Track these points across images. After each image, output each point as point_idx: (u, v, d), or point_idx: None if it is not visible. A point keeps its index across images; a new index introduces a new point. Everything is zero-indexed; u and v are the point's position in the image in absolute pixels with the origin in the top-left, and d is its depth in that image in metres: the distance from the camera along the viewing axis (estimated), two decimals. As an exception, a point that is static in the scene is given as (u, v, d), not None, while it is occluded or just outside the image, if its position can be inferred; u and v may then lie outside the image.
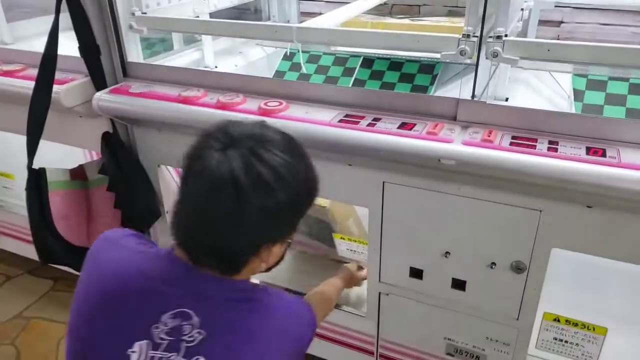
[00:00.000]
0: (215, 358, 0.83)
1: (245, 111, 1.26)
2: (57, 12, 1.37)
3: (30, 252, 2.06)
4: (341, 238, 1.50)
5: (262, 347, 0.86)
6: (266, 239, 0.85)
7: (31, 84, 1.42)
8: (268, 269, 0.95)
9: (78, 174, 1.56)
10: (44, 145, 1.46)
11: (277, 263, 0.96)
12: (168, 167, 1.61)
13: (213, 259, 0.85)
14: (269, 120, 1.16)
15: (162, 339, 0.83)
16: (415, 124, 1.15)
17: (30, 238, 1.99)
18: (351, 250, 1.52)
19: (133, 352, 0.82)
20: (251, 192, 0.77)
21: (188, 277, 0.86)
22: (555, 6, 1.79)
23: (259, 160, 0.79)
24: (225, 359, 0.83)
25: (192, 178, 0.81)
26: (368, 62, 1.86)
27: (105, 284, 0.88)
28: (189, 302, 0.84)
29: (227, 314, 0.85)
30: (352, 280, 1.44)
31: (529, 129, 1.11)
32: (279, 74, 1.98)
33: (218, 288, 0.86)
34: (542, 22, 1.81)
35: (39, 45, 2.05)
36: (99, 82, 1.48)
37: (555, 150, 1.03)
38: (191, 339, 0.83)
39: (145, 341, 0.82)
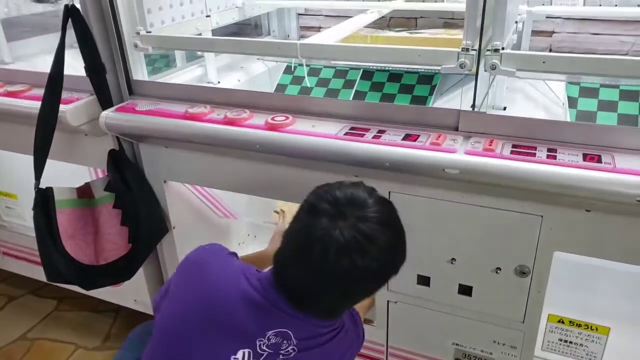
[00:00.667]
0: None
1: (253, 126, 1.29)
2: (63, 31, 1.39)
3: (33, 272, 2.08)
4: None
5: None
6: (364, 297, 1.02)
7: (36, 104, 1.44)
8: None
9: (84, 192, 1.57)
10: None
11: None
12: (186, 184, 1.63)
13: (319, 313, 0.98)
14: (280, 137, 1.23)
15: (263, 350, 0.94)
16: (419, 135, 1.19)
17: (33, 258, 2.02)
18: None
19: (236, 357, 0.94)
20: (361, 270, 0.88)
21: (290, 313, 0.96)
22: (547, 17, 1.84)
23: (369, 242, 0.89)
24: None
25: (312, 245, 0.89)
26: (368, 74, 1.91)
27: (212, 298, 0.98)
28: (291, 325, 0.96)
29: (317, 341, 0.99)
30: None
31: (528, 137, 1.15)
32: (281, 87, 2.02)
33: (314, 325, 0.99)
34: (534, 33, 1.87)
35: (40, 64, 2.08)
36: (104, 100, 1.50)
37: (554, 157, 1.06)
38: (287, 353, 0.96)
39: (248, 350, 0.94)
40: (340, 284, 0.91)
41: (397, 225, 0.97)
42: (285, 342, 0.95)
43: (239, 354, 0.94)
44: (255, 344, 0.94)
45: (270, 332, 0.94)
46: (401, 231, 0.98)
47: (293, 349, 0.95)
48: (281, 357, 0.95)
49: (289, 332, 0.95)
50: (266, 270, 1.02)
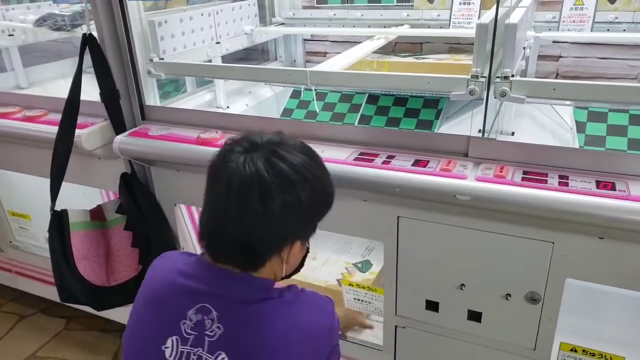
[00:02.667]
0: (233, 356, 0.88)
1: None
2: (81, 59, 1.43)
3: (43, 291, 2.09)
4: (349, 285, 1.51)
5: (275, 346, 0.88)
6: (288, 234, 0.92)
7: (53, 129, 1.47)
8: (287, 276, 1.02)
9: (97, 214, 1.59)
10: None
11: (296, 270, 1.03)
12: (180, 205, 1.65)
13: (237, 254, 0.91)
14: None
15: (188, 333, 0.89)
16: (428, 161, 1.20)
17: (44, 277, 2.04)
18: (359, 300, 1.51)
19: (166, 347, 0.90)
20: (275, 188, 0.85)
21: (209, 276, 0.93)
22: (553, 42, 1.86)
23: (280, 160, 0.87)
24: (241, 357, 0.88)
25: (219, 180, 0.88)
26: (373, 98, 1.93)
27: (151, 287, 0.97)
28: (209, 298, 0.90)
29: (241, 313, 0.90)
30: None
31: (538, 163, 1.15)
32: (287, 111, 2.04)
33: (235, 286, 0.91)
34: (541, 57, 1.88)
35: (54, 89, 2.13)
36: (118, 125, 1.53)
37: (566, 184, 1.07)
38: (212, 333, 0.89)
39: (175, 336, 0.90)
40: (247, 211, 0.85)
41: (314, 166, 0.92)
42: (207, 319, 0.89)
43: (168, 342, 0.90)
44: (180, 329, 0.90)
45: (190, 310, 0.90)
46: (317, 173, 0.92)
47: (218, 327, 0.88)
48: (207, 339, 0.88)
49: (208, 305, 0.90)
50: None
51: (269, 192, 0.85)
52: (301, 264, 1.05)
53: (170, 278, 0.95)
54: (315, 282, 1.62)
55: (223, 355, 0.88)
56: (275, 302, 0.92)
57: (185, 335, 0.90)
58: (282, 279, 1.02)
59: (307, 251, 1.05)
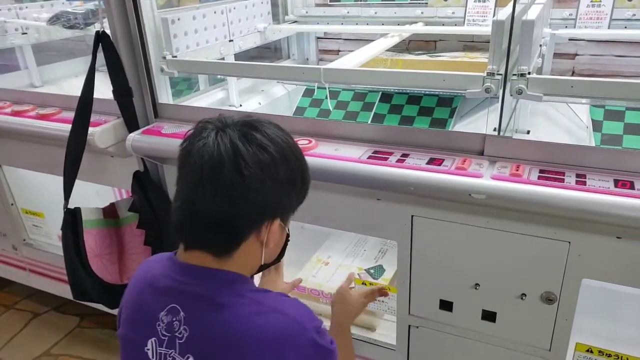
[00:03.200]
0: (199, 358, 0.84)
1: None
2: (94, 56, 1.43)
3: (57, 289, 2.11)
4: (362, 284, 1.50)
5: (236, 351, 0.83)
6: (267, 209, 0.86)
7: (66, 127, 1.48)
8: (264, 266, 0.97)
9: (110, 212, 1.60)
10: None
11: (276, 259, 0.98)
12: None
13: (211, 232, 0.85)
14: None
15: (163, 335, 0.87)
16: (443, 160, 1.18)
17: (57, 275, 2.05)
18: None
19: (148, 349, 0.88)
20: (252, 159, 0.81)
21: (178, 273, 0.88)
22: (570, 39, 1.84)
23: (255, 131, 0.84)
24: None
25: (190, 159, 0.83)
26: (387, 96, 1.91)
27: (130, 292, 0.95)
28: (177, 298, 0.87)
29: (205, 315, 0.86)
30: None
31: (555, 162, 1.14)
32: (300, 110, 2.04)
33: (202, 284, 0.87)
34: (557, 55, 1.86)
35: (67, 87, 2.14)
36: (131, 123, 1.53)
37: (584, 183, 1.05)
38: (180, 335, 0.86)
39: (154, 338, 0.88)
40: (222, 182, 0.81)
41: (291, 142, 0.89)
42: (175, 321, 0.86)
43: (149, 344, 0.89)
44: (157, 331, 0.88)
45: (162, 312, 0.87)
46: (294, 148, 0.89)
47: (184, 328, 0.85)
48: (177, 341, 0.86)
49: (177, 305, 0.86)
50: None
51: (245, 163, 0.81)
52: (282, 252, 1.00)
53: (147, 280, 0.93)
54: (331, 291, 1.61)
55: (191, 358, 0.85)
56: (241, 305, 0.86)
57: (161, 337, 0.88)
58: (261, 268, 0.97)
59: (288, 238, 0.99)
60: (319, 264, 1.77)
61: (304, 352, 0.85)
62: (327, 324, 1.51)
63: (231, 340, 0.83)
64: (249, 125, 0.85)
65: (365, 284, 1.50)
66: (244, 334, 0.83)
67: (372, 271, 1.68)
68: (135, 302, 0.93)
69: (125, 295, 0.97)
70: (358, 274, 1.69)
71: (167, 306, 0.87)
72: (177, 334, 0.86)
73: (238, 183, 0.81)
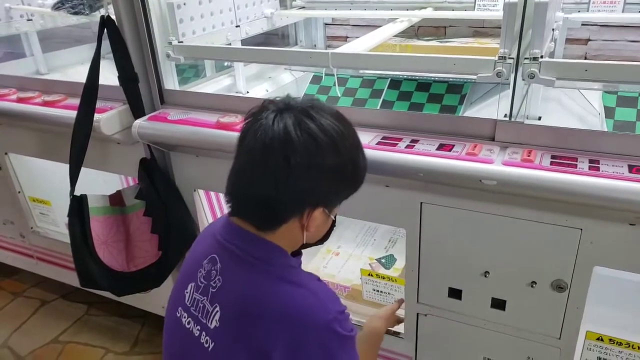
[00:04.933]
0: (223, 312, 0.88)
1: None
2: (99, 42, 1.42)
3: (64, 276, 2.11)
4: (369, 275, 1.48)
5: (257, 317, 0.86)
6: (309, 197, 0.88)
7: (72, 114, 1.47)
8: (307, 245, 0.99)
9: (116, 199, 1.59)
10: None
11: (320, 241, 1.01)
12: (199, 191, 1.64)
13: (256, 208, 0.90)
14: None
15: (201, 281, 0.93)
16: (453, 145, 1.17)
17: (64, 263, 2.05)
18: (378, 291, 1.49)
19: (187, 292, 0.95)
20: (300, 147, 0.83)
21: (226, 229, 0.94)
22: (582, 24, 1.80)
23: (310, 120, 0.85)
24: (228, 319, 0.88)
25: (248, 135, 0.88)
26: (396, 83, 1.89)
27: (194, 244, 1.04)
28: (219, 250, 0.93)
29: (239, 272, 0.90)
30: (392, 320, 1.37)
31: (567, 147, 1.12)
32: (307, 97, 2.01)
33: (243, 243, 0.91)
34: (569, 41, 1.82)
35: (73, 75, 2.13)
36: (137, 109, 1.52)
37: (597, 169, 1.03)
38: (214, 284, 0.91)
39: (193, 283, 0.94)
40: (270, 166, 0.84)
41: (345, 133, 0.89)
42: (213, 270, 0.92)
43: (188, 287, 0.95)
44: (197, 276, 0.94)
45: (205, 259, 0.94)
46: (348, 141, 0.89)
47: (219, 278, 0.90)
48: (211, 290, 0.91)
49: (216, 256, 0.92)
50: None
51: (293, 150, 0.83)
52: (326, 236, 1.02)
53: (206, 232, 1.01)
54: (342, 283, 1.61)
55: (218, 308, 0.89)
56: (272, 272, 0.89)
57: (199, 283, 0.93)
58: (303, 247, 0.99)
59: (334, 224, 1.01)
60: (329, 254, 1.76)
61: (323, 333, 0.86)
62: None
63: (255, 303, 0.87)
64: (306, 112, 0.86)
65: (372, 275, 1.48)
66: (269, 300, 0.87)
67: (383, 261, 1.68)
68: (191, 251, 1.02)
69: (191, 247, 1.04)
70: (369, 264, 1.68)
71: (209, 255, 0.93)
72: (211, 283, 0.91)
73: (284, 169, 0.84)
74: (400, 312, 1.45)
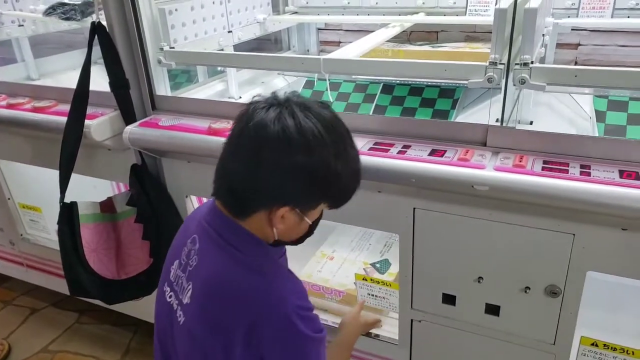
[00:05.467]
0: (195, 289, 0.93)
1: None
2: (90, 48, 1.41)
3: (55, 284, 2.09)
4: (363, 279, 1.48)
5: (222, 308, 0.91)
6: (275, 193, 0.88)
7: (62, 120, 1.45)
8: (281, 242, 0.98)
9: (107, 206, 1.58)
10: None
11: (294, 242, 1.00)
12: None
13: (227, 194, 0.92)
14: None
15: (183, 260, 0.99)
16: (445, 151, 1.16)
17: (55, 271, 2.03)
18: (373, 295, 1.49)
19: (172, 268, 1.01)
20: (272, 141, 0.83)
21: (208, 211, 0.98)
22: (572, 29, 1.81)
23: (291, 117, 0.84)
24: (197, 297, 0.93)
25: (235, 124, 0.90)
26: (388, 88, 1.89)
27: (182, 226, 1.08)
28: (199, 230, 0.97)
29: (212, 253, 0.94)
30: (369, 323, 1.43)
31: (558, 153, 1.12)
32: (300, 102, 2.01)
33: (220, 228, 0.94)
34: (559, 46, 1.83)
35: (64, 81, 2.12)
36: (128, 115, 1.51)
37: (589, 174, 1.03)
38: (191, 263, 0.96)
39: (177, 260, 1.00)
40: (241, 155, 0.87)
41: (327, 137, 0.85)
42: (192, 250, 0.97)
43: (175, 264, 1.01)
44: (181, 254, 0.99)
45: (189, 239, 0.98)
46: (329, 146, 0.86)
47: (195, 257, 0.95)
48: (188, 268, 0.96)
49: (196, 236, 0.97)
50: None
51: (265, 142, 0.83)
52: (301, 238, 1.00)
53: (194, 214, 1.06)
54: (337, 287, 1.60)
55: (191, 286, 0.94)
56: (241, 261, 0.92)
57: (181, 261, 0.99)
58: (278, 243, 0.98)
59: (312, 229, 0.98)
60: (323, 258, 1.76)
61: (278, 325, 0.89)
62: (333, 319, 1.52)
63: (220, 285, 0.91)
64: (290, 109, 0.85)
65: (366, 280, 1.48)
66: (233, 285, 0.91)
67: (378, 265, 1.67)
68: (181, 229, 1.06)
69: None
70: (364, 268, 1.67)
71: (192, 235, 0.98)
72: (190, 262, 0.96)
73: (254, 161, 0.85)
74: (394, 320, 1.45)
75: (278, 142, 0.83)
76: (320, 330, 0.93)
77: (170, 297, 1.00)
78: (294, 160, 0.84)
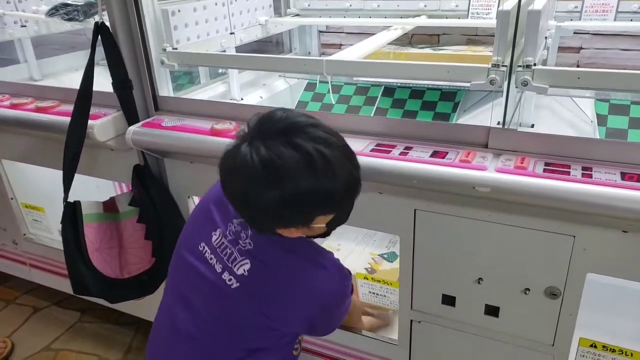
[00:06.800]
0: (253, 271, 1.03)
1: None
2: (93, 48, 1.42)
3: (57, 283, 2.10)
4: (364, 278, 1.48)
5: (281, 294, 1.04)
6: (270, 223, 0.98)
7: (65, 120, 1.46)
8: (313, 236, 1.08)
9: (110, 206, 1.58)
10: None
11: (321, 235, 1.07)
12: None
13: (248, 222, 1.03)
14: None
15: (230, 234, 1.07)
16: (447, 152, 1.17)
17: (58, 270, 2.04)
18: (374, 293, 1.50)
19: (214, 233, 1.10)
20: (255, 174, 0.88)
21: None
22: (575, 33, 1.81)
23: (271, 147, 0.88)
24: (256, 280, 1.03)
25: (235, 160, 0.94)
26: (389, 91, 1.90)
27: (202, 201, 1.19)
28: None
29: (267, 246, 1.04)
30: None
31: (560, 155, 1.12)
32: (302, 104, 2.02)
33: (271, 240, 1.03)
34: (561, 49, 1.84)
35: (67, 82, 2.13)
36: (131, 116, 1.52)
37: (590, 176, 1.04)
38: (244, 244, 1.05)
39: (220, 229, 1.09)
40: (243, 198, 0.94)
41: (296, 168, 0.87)
42: (243, 233, 1.05)
43: (217, 232, 1.09)
44: (226, 227, 1.08)
45: (237, 220, 1.06)
46: (296, 176, 0.88)
47: (249, 242, 1.04)
48: (239, 246, 1.05)
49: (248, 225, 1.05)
50: None
51: (252, 174, 0.88)
52: (325, 234, 1.07)
53: (216, 199, 1.13)
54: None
55: (248, 262, 1.03)
56: (300, 257, 1.05)
57: (228, 234, 1.07)
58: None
59: (327, 231, 1.05)
60: (329, 249, 1.76)
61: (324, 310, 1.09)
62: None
63: (284, 279, 1.04)
64: (272, 139, 0.89)
65: (367, 278, 1.48)
66: (295, 280, 1.04)
67: (385, 256, 1.67)
68: (221, 201, 1.10)
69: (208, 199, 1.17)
70: (372, 258, 1.68)
71: (240, 219, 1.06)
72: (241, 242, 1.05)
73: (246, 190, 0.91)
74: (394, 320, 1.45)
75: (259, 177, 0.88)
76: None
77: (211, 259, 1.08)
78: (282, 192, 0.89)
